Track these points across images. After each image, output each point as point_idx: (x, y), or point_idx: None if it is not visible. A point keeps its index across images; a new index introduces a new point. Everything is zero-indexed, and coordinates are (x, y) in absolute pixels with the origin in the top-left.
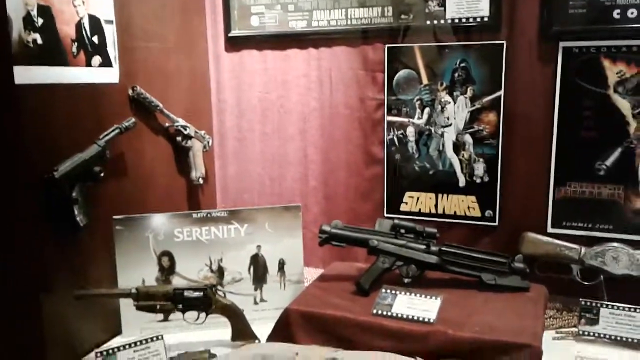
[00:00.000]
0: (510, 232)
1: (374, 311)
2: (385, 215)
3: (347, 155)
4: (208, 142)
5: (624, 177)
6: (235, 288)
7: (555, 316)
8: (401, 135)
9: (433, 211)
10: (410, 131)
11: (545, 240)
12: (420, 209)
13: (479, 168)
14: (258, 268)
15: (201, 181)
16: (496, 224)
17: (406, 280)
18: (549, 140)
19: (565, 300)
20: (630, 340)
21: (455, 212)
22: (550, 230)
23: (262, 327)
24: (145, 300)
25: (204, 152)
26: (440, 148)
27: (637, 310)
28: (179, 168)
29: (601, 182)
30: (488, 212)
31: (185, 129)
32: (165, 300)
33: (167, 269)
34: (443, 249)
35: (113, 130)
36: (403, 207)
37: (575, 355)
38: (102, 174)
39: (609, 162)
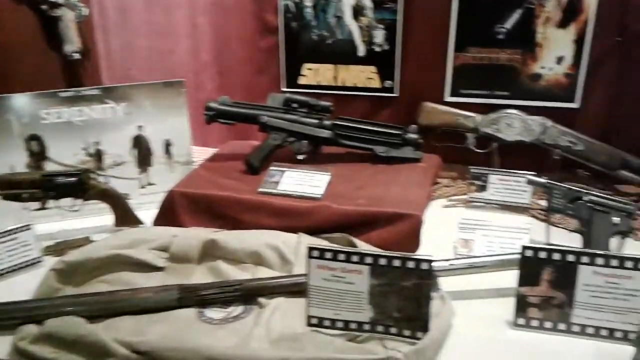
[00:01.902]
0: (411, 103)
1: (260, 189)
2: (285, 89)
3: (239, 25)
4: (81, 11)
5: (522, 41)
6: (118, 172)
7: (449, 185)
8: (297, 0)
9: (333, 84)
10: None
11: (443, 109)
12: (319, 82)
13: (379, 35)
14: (141, 150)
15: (77, 56)
16: (397, 94)
17: (299, 157)
18: (448, 2)
19: (462, 169)
20: (514, 204)
21: (355, 84)
22: (448, 99)
23: (151, 211)
24: (9, 188)
25: (78, 23)
26: (339, 14)
27: (523, 176)
28: (50, 42)
29: (500, 47)
30: (388, 83)
31: None
32: (33, 188)
33: (37, 154)
34: (336, 122)
35: None
36: (302, 80)
37: (460, 220)
38: None
39: (509, 24)
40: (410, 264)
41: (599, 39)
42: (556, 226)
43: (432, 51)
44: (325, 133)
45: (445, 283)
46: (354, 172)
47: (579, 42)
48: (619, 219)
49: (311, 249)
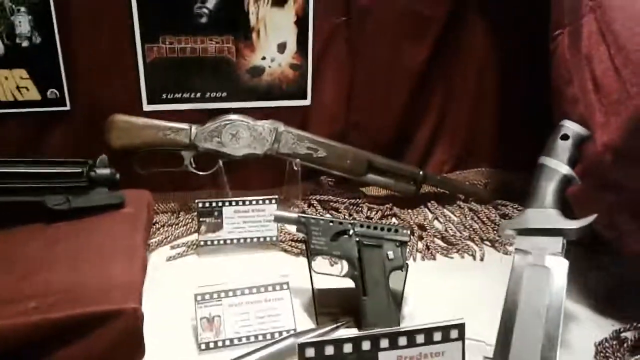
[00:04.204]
0: (93, 119)
1: None
2: None
3: None
4: None
5: (232, 25)
6: None
7: (171, 222)
8: None
9: None
10: None
11: (143, 123)
12: None
13: (23, 22)
14: None
15: None
16: (68, 107)
17: None
18: None
19: (184, 196)
20: (259, 239)
21: None
22: (147, 107)
23: None
24: None
25: None
26: None
27: (267, 202)
28: None
29: (205, 34)
30: (52, 92)
31: None
32: None
33: None
34: None
35: None
36: None
37: (196, 289)
38: None
39: (211, 3)
40: None
41: (321, 18)
42: (321, 274)
43: (111, 41)
44: None
45: None
46: (15, 248)
47: (301, 23)
48: (392, 251)
49: None
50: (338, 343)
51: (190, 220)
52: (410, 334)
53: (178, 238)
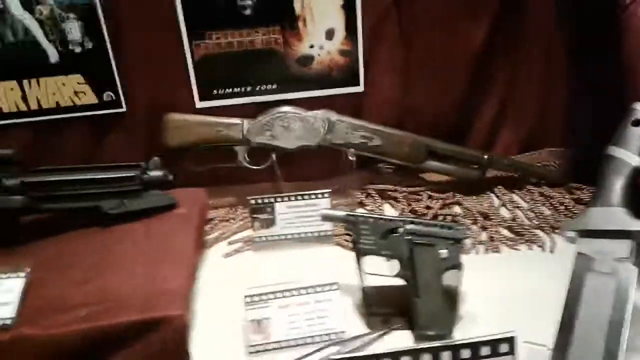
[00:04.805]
0: (148, 119)
1: None
2: None
3: None
4: None
5: (278, 15)
6: None
7: (228, 217)
8: None
9: (23, 108)
10: None
11: (196, 120)
12: (1, 108)
13: (73, 29)
14: None
15: None
16: (124, 109)
17: None
18: None
19: (241, 190)
20: (313, 234)
21: (58, 104)
22: (199, 105)
23: None
24: None
25: None
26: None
27: (320, 196)
28: None
29: (251, 27)
30: (108, 95)
31: None
32: None
33: None
34: (27, 179)
35: None
36: None
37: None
38: None
39: None
40: None
41: (369, 1)
42: (372, 274)
43: (160, 41)
44: (14, 201)
45: None
46: (71, 255)
47: (349, 7)
48: (446, 250)
49: None
50: (374, 359)
51: (247, 215)
52: (455, 349)
53: (235, 233)
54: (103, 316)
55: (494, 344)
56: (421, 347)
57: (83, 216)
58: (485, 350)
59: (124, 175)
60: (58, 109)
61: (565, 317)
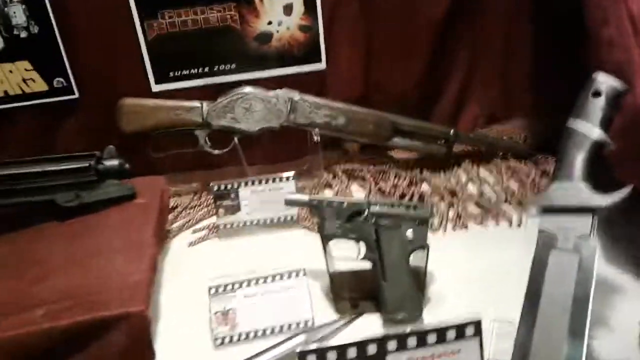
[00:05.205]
0: (101, 105)
1: None
2: None
3: None
4: None
5: None
6: None
7: (192, 205)
8: None
9: None
10: None
11: (153, 104)
12: None
13: (17, 13)
14: None
15: None
16: (76, 95)
17: None
18: None
19: (205, 175)
20: (280, 219)
21: (6, 92)
22: (155, 88)
23: None
24: None
25: None
26: None
27: (285, 180)
28: None
29: (205, 4)
30: (58, 81)
31: None
32: None
33: None
34: None
35: None
36: None
37: (210, 282)
38: None
39: None
40: None
41: None
42: (337, 258)
43: (110, 21)
44: None
45: None
46: (26, 252)
47: None
48: (411, 230)
49: None
50: (341, 349)
51: (211, 202)
52: (421, 335)
53: (200, 221)
54: (62, 315)
55: (460, 328)
56: (387, 335)
57: (38, 211)
58: (451, 334)
59: (78, 166)
60: (6, 98)
61: (529, 295)
